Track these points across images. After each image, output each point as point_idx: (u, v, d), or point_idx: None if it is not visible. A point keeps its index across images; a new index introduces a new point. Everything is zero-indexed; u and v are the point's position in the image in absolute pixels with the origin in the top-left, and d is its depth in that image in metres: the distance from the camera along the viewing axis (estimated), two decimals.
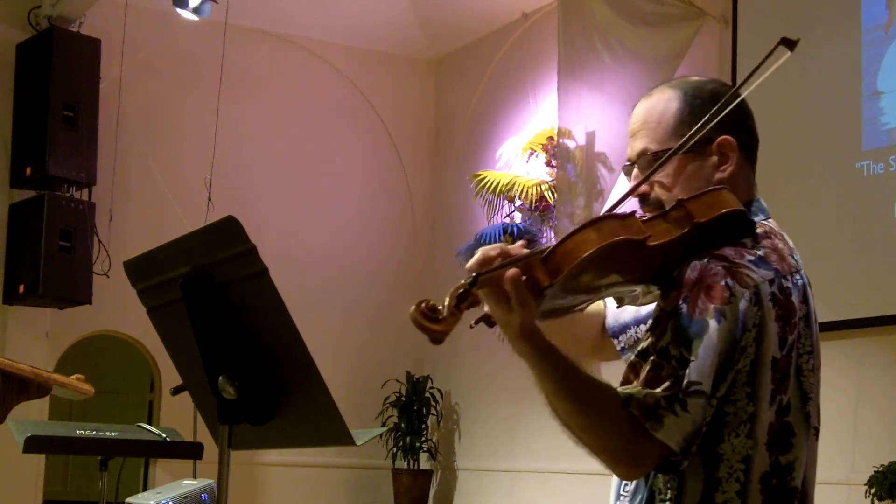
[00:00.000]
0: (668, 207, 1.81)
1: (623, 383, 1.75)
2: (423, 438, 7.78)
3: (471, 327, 1.79)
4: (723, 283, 1.72)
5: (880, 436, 5.22)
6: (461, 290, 1.65)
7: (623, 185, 6.52)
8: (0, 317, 6.92)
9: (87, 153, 6.84)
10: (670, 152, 1.85)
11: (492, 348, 7.32)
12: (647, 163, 1.91)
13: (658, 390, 1.70)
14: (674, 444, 1.69)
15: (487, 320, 1.81)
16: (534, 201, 7.00)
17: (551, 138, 7.04)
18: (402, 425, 7.71)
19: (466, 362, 7.73)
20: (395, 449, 7.69)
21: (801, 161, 5.71)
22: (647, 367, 1.73)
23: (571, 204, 6.60)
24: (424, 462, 7.82)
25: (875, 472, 4.77)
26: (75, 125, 6.82)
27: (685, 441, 1.69)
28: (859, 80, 5.53)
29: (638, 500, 1.81)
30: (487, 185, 7.21)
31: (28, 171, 6.79)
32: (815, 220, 5.57)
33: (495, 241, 7.00)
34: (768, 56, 1.83)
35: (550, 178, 7.03)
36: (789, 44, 1.82)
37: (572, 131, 6.68)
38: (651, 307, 2.03)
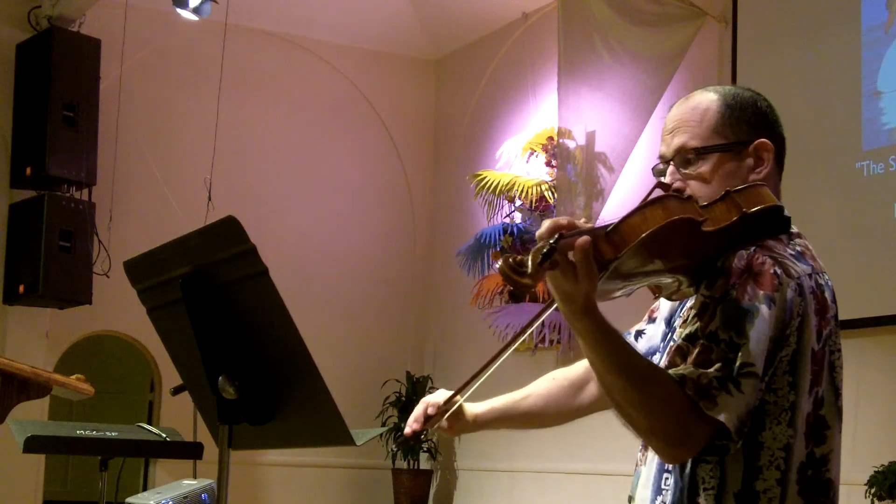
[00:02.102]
0: (712, 199, 1.85)
1: (669, 366, 1.78)
2: (424, 438, 7.77)
3: (393, 450, 1.79)
4: (771, 271, 1.77)
5: (880, 436, 5.22)
6: (546, 249, 1.65)
7: (623, 188, 6.53)
8: (0, 317, 6.92)
9: (87, 153, 6.83)
10: (715, 146, 1.93)
11: (492, 348, 7.32)
12: (685, 160, 1.96)
13: (711, 370, 1.72)
14: (729, 424, 1.71)
15: (406, 442, 1.85)
16: (534, 201, 6.99)
17: (551, 138, 7.04)
18: (402, 425, 7.69)
19: (466, 362, 7.72)
20: (395, 449, 7.69)
21: (801, 161, 5.70)
22: (696, 350, 1.75)
23: (571, 204, 6.60)
24: (424, 462, 7.82)
25: (875, 472, 4.77)
26: (75, 125, 6.81)
27: (739, 421, 1.72)
28: (859, 80, 5.52)
29: (680, 491, 1.83)
30: (487, 185, 7.21)
31: (28, 171, 6.78)
32: (815, 220, 5.56)
33: (495, 241, 7.05)
34: (650, 193, 1.90)
35: (550, 178, 7.02)
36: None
37: (572, 131, 6.68)
38: (656, 343, 2.06)
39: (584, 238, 1.68)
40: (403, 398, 7.83)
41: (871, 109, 5.48)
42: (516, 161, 7.35)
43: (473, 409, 2.28)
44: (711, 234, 1.78)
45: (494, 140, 7.81)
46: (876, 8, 5.54)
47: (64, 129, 6.77)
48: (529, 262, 1.66)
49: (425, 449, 7.77)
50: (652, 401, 1.73)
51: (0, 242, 6.94)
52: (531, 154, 7.26)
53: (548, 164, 7.11)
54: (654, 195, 1.80)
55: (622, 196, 6.44)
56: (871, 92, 5.48)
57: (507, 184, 7.12)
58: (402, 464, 7.71)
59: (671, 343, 1.86)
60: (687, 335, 1.78)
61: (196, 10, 6.75)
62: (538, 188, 7.01)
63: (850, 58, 5.58)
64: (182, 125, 7.63)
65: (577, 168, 6.64)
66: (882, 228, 5.38)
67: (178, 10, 6.76)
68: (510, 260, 1.67)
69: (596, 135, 6.64)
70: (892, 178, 5.35)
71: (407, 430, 2.10)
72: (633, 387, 1.74)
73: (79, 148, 6.80)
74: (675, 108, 2.03)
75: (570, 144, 6.68)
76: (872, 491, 4.72)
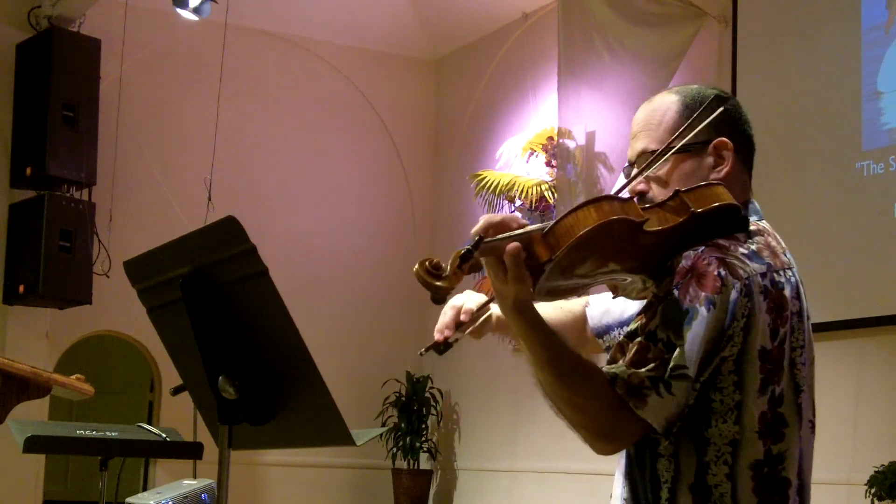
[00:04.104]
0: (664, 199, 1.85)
1: (610, 362, 1.80)
2: (423, 438, 7.78)
3: (420, 355, 1.82)
4: (716, 272, 1.76)
5: (880, 436, 5.22)
6: (464, 252, 1.69)
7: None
8: (0, 317, 6.92)
9: (87, 153, 6.84)
10: (664, 147, 1.92)
11: (492, 348, 7.34)
12: (646, 162, 1.96)
13: (643, 370, 1.74)
14: (656, 424, 1.74)
15: (437, 348, 1.89)
16: (534, 201, 7.00)
17: (551, 138, 7.04)
18: (402, 425, 7.71)
19: (466, 362, 7.73)
20: (395, 449, 7.69)
21: (801, 161, 5.71)
22: (633, 348, 1.77)
23: (571, 204, 6.59)
24: (424, 462, 7.82)
25: (875, 472, 4.77)
26: (75, 125, 6.81)
27: (667, 422, 1.74)
28: (859, 80, 5.52)
29: (644, 482, 1.85)
30: (487, 185, 7.21)
31: (28, 171, 6.79)
32: (815, 220, 5.57)
33: None
34: (702, 110, 1.93)
35: (550, 178, 7.03)
36: (723, 100, 1.94)
37: (572, 131, 6.68)
38: (635, 310, 2.07)
39: (514, 244, 1.70)
40: (403, 398, 7.84)
41: (871, 109, 5.48)
42: (516, 161, 7.35)
43: (495, 309, 2.27)
44: (658, 233, 1.77)
45: (494, 140, 7.81)
46: (876, 8, 5.54)
47: (64, 129, 6.77)
48: (448, 264, 1.69)
49: (425, 449, 7.77)
50: (580, 398, 1.76)
51: (0, 242, 6.94)
52: (531, 154, 7.26)
53: (548, 164, 7.11)
54: (591, 197, 1.81)
55: None
56: (871, 92, 5.48)
57: (507, 184, 7.12)
58: (402, 464, 7.71)
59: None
60: (629, 332, 1.80)
61: (196, 10, 6.76)
62: (538, 188, 7.01)
63: (850, 58, 5.58)
64: (182, 125, 7.63)
65: (577, 168, 6.64)
66: (882, 228, 5.38)
67: (178, 10, 6.76)
68: (426, 263, 1.70)
69: (596, 135, 6.64)
70: (892, 178, 5.35)
71: (438, 335, 2.03)
72: (562, 383, 1.77)
73: (79, 148, 6.80)
74: (639, 111, 2.04)
75: (570, 144, 6.69)
76: (872, 491, 4.72)
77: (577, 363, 1.78)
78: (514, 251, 1.70)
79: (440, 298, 1.73)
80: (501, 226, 1.75)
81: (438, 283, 1.70)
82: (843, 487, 5.07)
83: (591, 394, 1.75)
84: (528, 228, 1.75)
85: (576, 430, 1.80)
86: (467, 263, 1.69)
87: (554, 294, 1.85)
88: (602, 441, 1.80)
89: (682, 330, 1.74)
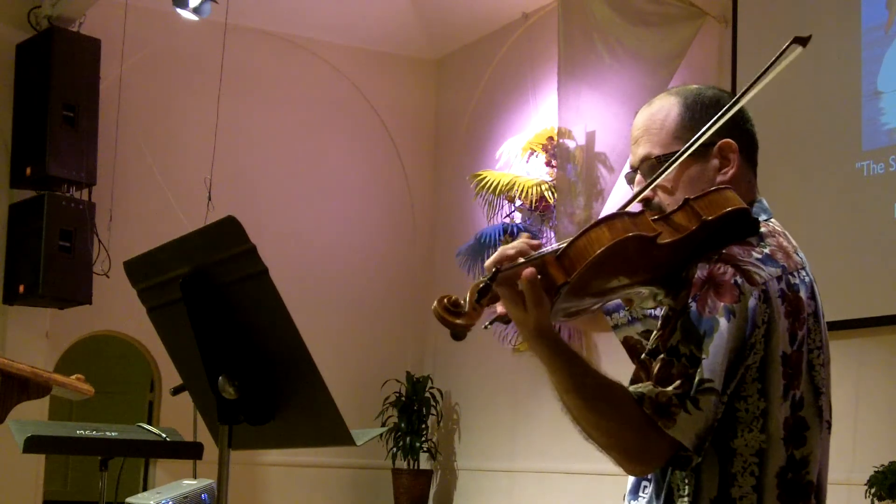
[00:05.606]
0: (673, 208, 1.83)
1: (633, 381, 1.77)
2: (423, 438, 7.77)
3: (485, 328, 1.81)
4: (732, 281, 1.74)
5: (880, 436, 5.22)
6: (481, 286, 1.68)
7: (622, 188, 6.52)
8: (0, 317, 6.92)
9: (87, 153, 6.84)
10: (677, 154, 1.88)
11: (492, 348, 7.34)
12: (650, 168, 1.94)
13: (669, 388, 1.71)
14: (687, 442, 1.71)
15: (503, 319, 1.82)
16: (534, 201, 7.00)
17: (551, 138, 7.04)
18: (402, 425, 7.71)
19: (466, 362, 7.73)
20: (395, 449, 7.69)
21: (801, 161, 5.70)
22: (657, 366, 1.74)
23: (571, 204, 6.60)
24: (424, 462, 7.82)
25: (875, 472, 4.77)
26: (75, 125, 6.81)
27: (698, 438, 1.72)
28: (859, 80, 5.52)
29: (658, 497, 1.83)
30: (487, 185, 7.21)
31: (28, 171, 6.79)
32: (815, 220, 5.57)
33: (495, 241, 7.04)
34: (781, 53, 1.84)
35: (550, 178, 7.03)
36: (802, 41, 1.82)
37: (572, 131, 6.69)
38: None
39: (530, 269, 1.69)
40: (403, 398, 7.84)
41: (871, 109, 5.48)
42: (516, 161, 7.35)
43: None
44: (671, 244, 1.75)
45: (494, 140, 7.81)
46: (876, 8, 5.54)
47: (64, 129, 6.77)
48: (466, 300, 1.68)
49: (425, 449, 7.77)
50: (608, 420, 1.74)
51: (0, 242, 6.94)
52: (531, 154, 7.26)
53: (548, 164, 7.12)
54: (602, 215, 1.79)
55: (622, 196, 6.44)
56: (871, 92, 5.48)
57: (507, 184, 7.12)
58: (402, 464, 7.71)
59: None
60: (650, 350, 1.78)
61: (196, 10, 6.75)
62: (538, 188, 7.01)
63: (850, 58, 5.58)
64: (182, 125, 7.63)
65: (577, 168, 6.64)
66: (882, 228, 5.38)
67: (178, 10, 6.76)
68: (444, 300, 1.69)
69: (596, 135, 6.65)
70: (892, 178, 5.35)
71: (501, 308, 2.05)
72: (589, 406, 1.75)
73: (79, 148, 6.80)
74: (638, 116, 2.00)
75: (570, 144, 6.69)
76: (872, 491, 4.72)
77: (602, 385, 1.76)
78: (529, 276, 1.69)
79: (461, 335, 1.72)
80: (515, 257, 1.74)
81: (458, 321, 1.69)
82: (843, 487, 5.07)
83: (619, 415, 1.73)
84: (541, 252, 1.74)
85: (606, 453, 1.78)
86: (486, 297, 1.68)
87: (570, 315, 1.84)
88: (633, 462, 1.77)
89: (703, 343, 1.71)
